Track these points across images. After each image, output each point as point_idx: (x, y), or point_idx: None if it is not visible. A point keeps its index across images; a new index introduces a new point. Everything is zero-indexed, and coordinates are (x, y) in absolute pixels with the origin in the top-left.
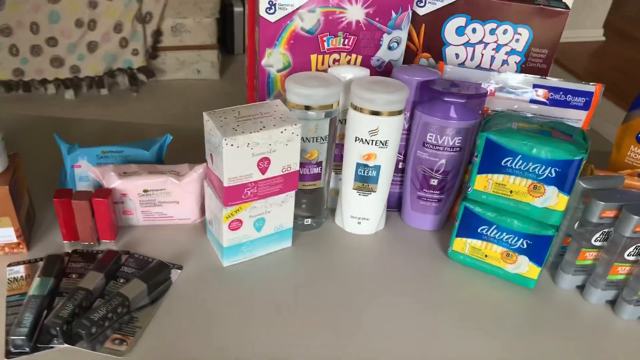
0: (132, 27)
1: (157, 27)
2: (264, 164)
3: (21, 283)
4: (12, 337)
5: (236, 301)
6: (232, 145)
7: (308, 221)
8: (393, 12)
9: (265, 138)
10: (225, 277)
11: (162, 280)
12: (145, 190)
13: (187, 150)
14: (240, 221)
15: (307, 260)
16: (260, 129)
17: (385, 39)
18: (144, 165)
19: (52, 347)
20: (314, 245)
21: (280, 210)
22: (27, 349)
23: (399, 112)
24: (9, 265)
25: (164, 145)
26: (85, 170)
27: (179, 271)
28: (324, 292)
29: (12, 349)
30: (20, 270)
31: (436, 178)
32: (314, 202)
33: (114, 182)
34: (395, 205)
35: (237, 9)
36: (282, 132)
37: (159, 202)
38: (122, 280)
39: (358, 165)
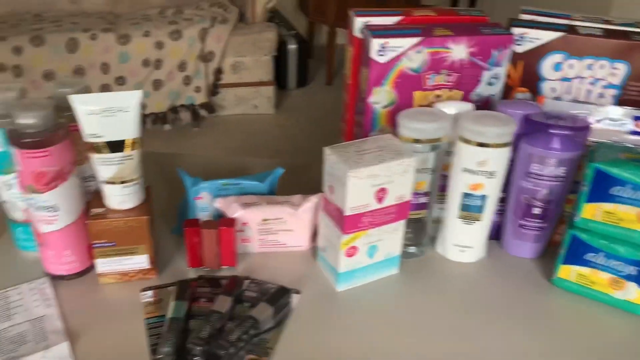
0: (195, 66)
1: (218, 66)
2: (381, 194)
3: (154, 307)
4: (159, 357)
5: (354, 323)
6: (355, 177)
7: (412, 249)
8: (494, 51)
9: (384, 170)
10: (341, 301)
11: (284, 304)
12: (264, 220)
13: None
14: (355, 248)
15: (414, 287)
16: (380, 162)
17: (486, 75)
18: (262, 196)
19: None
20: (419, 272)
21: (391, 238)
22: None
23: (507, 144)
24: (142, 290)
25: (276, 177)
26: (205, 202)
27: (298, 295)
28: (434, 317)
29: None
30: (150, 295)
31: (538, 207)
32: (418, 231)
33: (237, 212)
34: (493, 233)
35: (292, 46)
36: (399, 165)
37: (275, 231)
38: (247, 304)
39: (465, 195)
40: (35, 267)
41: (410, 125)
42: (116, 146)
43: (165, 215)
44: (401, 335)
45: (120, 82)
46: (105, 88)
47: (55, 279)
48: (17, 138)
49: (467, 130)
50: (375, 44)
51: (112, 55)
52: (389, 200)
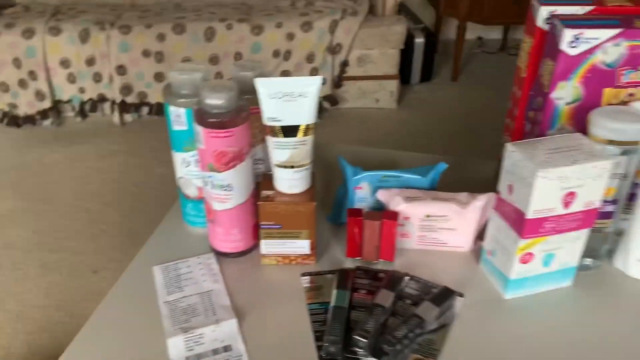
0: (323, 58)
1: (345, 58)
2: (569, 198)
3: (314, 293)
4: (325, 344)
5: (523, 335)
6: (544, 177)
7: (587, 261)
8: None
9: (577, 172)
10: (508, 309)
11: (449, 306)
12: (427, 216)
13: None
14: (531, 255)
15: (589, 303)
16: (572, 163)
17: None
18: (426, 191)
19: (359, 359)
20: (595, 287)
21: (571, 247)
22: (340, 358)
23: None
24: (302, 275)
25: (438, 173)
26: (365, 192)
27: (462, 298)
28: (611, 338)
29: (324, 355)
30: (308, 280)
31: None
32: (597, 242)
33: (400, 205)
34: None
35: (419, 40)
36: (593, 167)
37: (437, 228)
38: (408, 302)
39: None
40: (201, 242)
41: (608, 125)
42: (291, 131)
43: (320, 202)
44: (573, 354)
45: None
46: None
47: (220, 255)
48: (204, 117)
49: None
50: (568, 34)
51: (245, 45)
52: (576, 206)
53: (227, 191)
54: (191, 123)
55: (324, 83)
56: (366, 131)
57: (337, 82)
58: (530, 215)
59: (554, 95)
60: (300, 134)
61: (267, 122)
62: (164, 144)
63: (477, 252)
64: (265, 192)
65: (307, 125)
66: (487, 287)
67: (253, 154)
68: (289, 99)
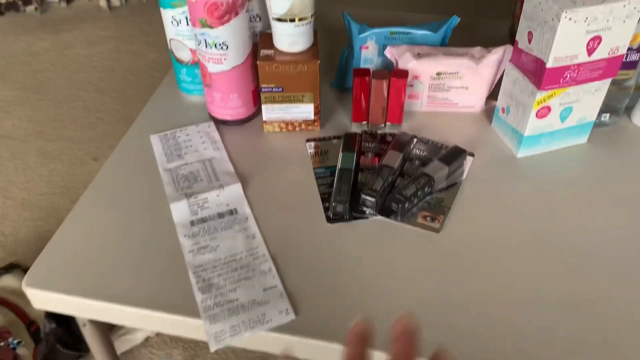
0: None
1: None
2: (593, 43)
3: (319, 158)
4: (333, 204)
5: (532, 193)
6: (569, 19)
7: (605, 117)
8: None
9: (606, 13)
10: (520, 167)
11: (459, 165)
12: (438, 74)
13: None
14: (548, 108)
15: (604, 159)
16: (602, 1)
17: None
18: (437, 47)
19: (367, 218)
20: (611, 143)
21: (591, 100)
22: (347, 217)
23: None
24: (307, 140)
25: (450, 28)
26: (371, 52)
27: (471, 158)
28: (628, 195)
29: (331, 215)
30: (312, 147)
31: None
32: (615, 96)
33: (410, 63)
34: None
35: None
36: (624, 6)
37: (448, 87)
38: (417, 162)
39: None
40: (199, 110)
41: None
42: None
43: (323, 67)
44: (588, 209)
45: None
46: None
47: (219, 123)
48: None
49: None
50: None
51: None
52: (600, 53)
53: (222, 50)
54: None
55: None
56: None
57: None
58: (550, 63)
59: None
60: None
61: None
62: (155, 28)
63: (488, 112)
64: (264, 52)
65: None
66: (498, 147)
67: (250, 9)
68: None
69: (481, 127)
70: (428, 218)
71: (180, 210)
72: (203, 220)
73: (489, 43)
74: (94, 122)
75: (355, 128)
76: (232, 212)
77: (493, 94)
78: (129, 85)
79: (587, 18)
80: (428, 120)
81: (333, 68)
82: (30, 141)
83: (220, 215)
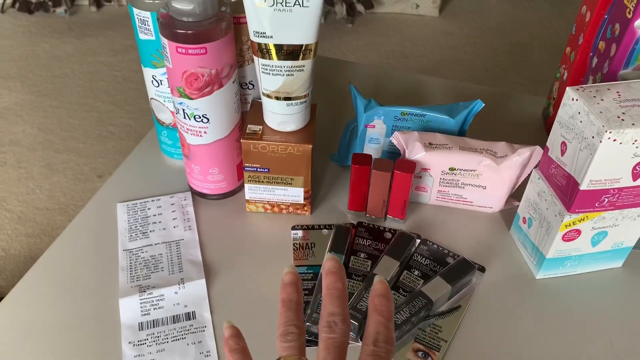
0: None
1: None
2: None
3: (303, 252)
4: (307, 324)
5: (551, 324)
6: (614, 140)
7: None
8: None
9: None
10: (538, 291)
11: (465, 283)
12: (451, 169)
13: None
14: (578, 232)
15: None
16: None
17: None
18: (453, 137)
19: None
20: None
21: (631, 225)
22: None
23: None
24: (293, 228)
25: (471, 114)
26: (379, 132)
27: (482, 274)
28: None
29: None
30: (299, 235)
31: None
32: None
33: (419, 154)
34: None
35: None
36: None
37: (462, 184)
38: (416, 272)
39: None
40: (178, 176)
41: None
42: (286, 52)
43: (324, 137)
44: (614, 346)
45: None
46: None
47: (198, 196)
48: (170, 27)
49: None
50: None
51: None
52: None
53: (202, 122)
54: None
55: None
56: (401, 41)
57: None
58: (585, 186)
59: (638, 24)
60: (297, 56)
61: (254, 39)
62: None
63: (508, 213)
64: (251, 127)
65: (306, 46)
66: (515, 261)
67: (239, 77)
68: (283, 7)
69: (498, 233)
70: (420, 353)
71: (129, 308)
72: (154, 323)
73: (518, 124)
74: (105, 135)
75: (352, 217)
76: (189, 316)
77: (517, 193)
78: (145, 101)
79: (636, 140)
80: (436, 217)
81: (336, 139)
82: (38, 150)
83: (175, 319)
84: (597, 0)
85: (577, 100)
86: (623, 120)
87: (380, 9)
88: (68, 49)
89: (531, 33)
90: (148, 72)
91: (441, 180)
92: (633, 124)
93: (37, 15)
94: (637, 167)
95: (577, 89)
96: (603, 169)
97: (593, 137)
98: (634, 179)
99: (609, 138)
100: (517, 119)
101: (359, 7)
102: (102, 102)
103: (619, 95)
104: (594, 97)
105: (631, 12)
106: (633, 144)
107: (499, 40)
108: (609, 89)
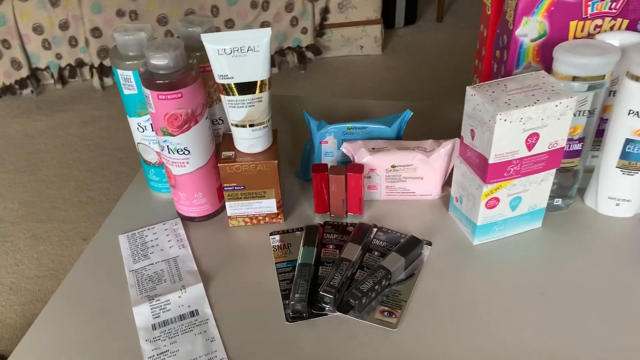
0: (303, 6)
1: (325, 5)
2: (532, 139)
3: (282, 252)
4: (292, 303)
5: (491, 281)
6: (505, 120)
7: (558, 201)
8: None
9: (539, 112)
10: (476, 255)
11: (416, 255)
12: (393, 166)
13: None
14: (497, 199)
15: (559, 243)
16: (534, 103)
17: None
18: (390, 141)
19: (326, 315)
20: (565, 227)
21: (538, 189)
22: (306, 315)
23: None
24: (271, 234)
25: (404, 121)
26: (331, 146)
27: (429, 247)
28: (583, 277)
29: (291, 313)
30: (277, 240)
31: None
32: (566, 181)
33: (365, 157)
34: None
35: None
36: (556, 106)
37: (404, 178)
38: (376, 253)
39: (627, 141)
40: (167, 208)
41: (572, 60)
42: (245, 88)
43: (289, 159)
44: (545, 294)
45: (230, 24)
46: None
47: (187, 220)
48: (151, 79)
49: (638, 65)
50: None
51: None
52: (540, 147)
53: (184, 155)
54: (141, 86)
55: (305, 32)
56: (352, 80)
57: (319, 30)
58: (492, 160)
59: (519, 32)
60: (254, 90)
61: (219, 81)
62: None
63: (445, 199)
64: (225, 153)
65: (262, 81)
66: (455, 234)
67: (210, 114)
68: (239, 54)
69: (439, 215)
70: (386, 313)
71: (142, 314)
72: (164, 323)
73: (446, 129)
74: (85, 201)
75: (319, 219)
76: (193, 314)
77: (450, 181)
78: (120, 163)
79: (521, 118)
80: (388, 209)
81: (298, 159)
82: (21, 223)
83: (182, 317)
84: (490, 19)
85: (474, 95)
86: (509, 104)
87: (329, 54)
88: (39, 126)
89: (465, 55)
90: (134, 121)
91: (387, 177)
92: (517, 106)
93: (4, 99)
94: (528, 140)
95: (475, 87)
96: (502, 144)
97: (489, 121)
98: (529, 150)
99: (501, 119)
100: (443, 122)
101: (309, 55)
102: (79, 171)
103: (506, 87)
104: (487, 90)
105: (511, 24)
106: (520, 121)
107: (439, 68)
108: (497, 84)
